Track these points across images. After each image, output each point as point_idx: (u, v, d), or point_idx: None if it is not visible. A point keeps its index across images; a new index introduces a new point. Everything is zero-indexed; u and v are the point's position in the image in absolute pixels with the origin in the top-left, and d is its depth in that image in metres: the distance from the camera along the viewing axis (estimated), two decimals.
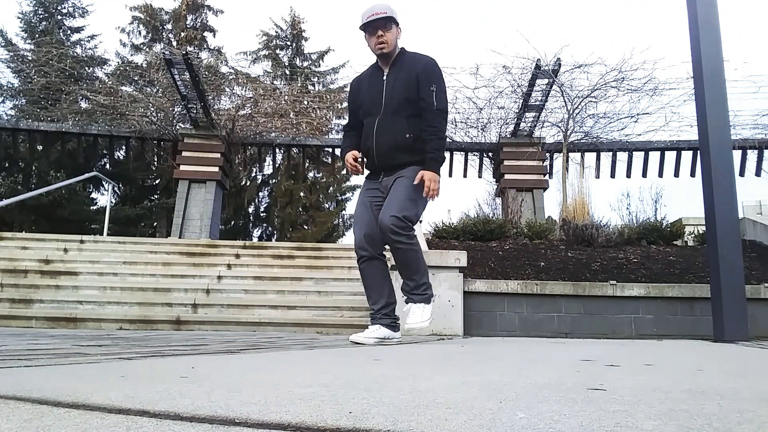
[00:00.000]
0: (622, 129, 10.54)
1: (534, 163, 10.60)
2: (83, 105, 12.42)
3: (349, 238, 20.53)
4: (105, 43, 32.28)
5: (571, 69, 9.63)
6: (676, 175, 11.22)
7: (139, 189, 19.26)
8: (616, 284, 4.87)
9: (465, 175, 11.84)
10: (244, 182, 20.08)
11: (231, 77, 13.34)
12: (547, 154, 11.14)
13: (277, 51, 22.08)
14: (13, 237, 7.36)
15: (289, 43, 22.26)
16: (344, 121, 3.45)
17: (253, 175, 20.58)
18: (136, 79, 14.78)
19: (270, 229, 22.01)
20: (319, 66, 21.62)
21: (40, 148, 14.00)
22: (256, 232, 22.23)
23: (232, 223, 21.11)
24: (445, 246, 6.14)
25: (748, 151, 10.81)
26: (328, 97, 13.55)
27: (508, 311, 4.84)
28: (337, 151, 11.71)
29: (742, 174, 10.68)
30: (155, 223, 18.95)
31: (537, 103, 10.02)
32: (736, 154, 10.49)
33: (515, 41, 24.02)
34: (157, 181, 19.38)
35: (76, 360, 1.59)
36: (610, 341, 3.98)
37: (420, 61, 3.05)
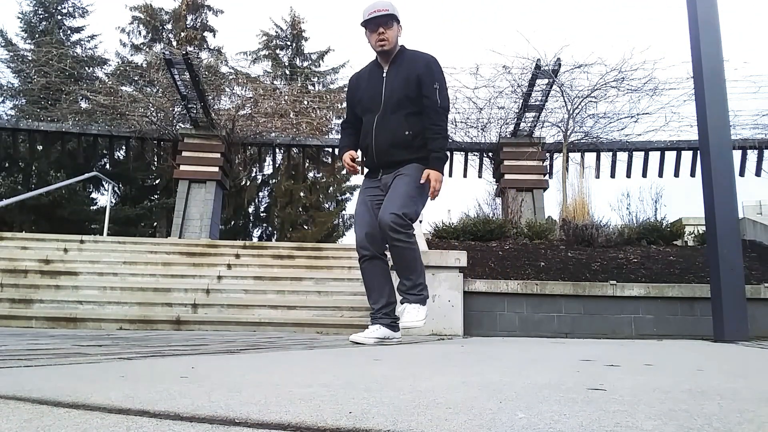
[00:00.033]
0: (622, 129, 10.55)
1: (534, 163, 10.60)
2: (83, 105, 12.42)
3: (349, 238, 20.56)
4: (105, 43, 32.32)
5: (571, 69, 9.64)
6: (676, 175, 11.22)
7: (139, 189, 19.26)
8: (616, 284, 4.87)
9: (465, 175, 11.85)
10: (244, 182, 20.09)
11: (231, 77, 13.35)
12: (547, 154, 11.14)
13: (277, 51, 22.09)
14: (13, 237, 7.36)
15: (289, 43, 22.26)
16: None
17: (253, 175, 20.59)
18: (136, 79, 14.78)
19: (270, 229, 22.01)
20: (319, 66, 21.63)
21: (40, 148, 14.00)
22: (256, 232, 22.24)
23: (232, 223, 21.11)
24: (445, 246, 6.14)
25: (748, 151, 10.81)
26: (328, 97, 13.55)
27: (508, 311, 4.84)
28: (338, 151, 11.70)
29: (742, 174, 10.68)
30: (155, 223, 18.95)
31: (537, 103, 10.02)
32: (736, 154, 10.49)
33: (515, 41, 24.04)
34: (157, 181, 19.39)
35: (76, 360, 1.59)
36: (610, 341, 3.98)
37: (421, 58, 3.05)
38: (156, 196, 19.08)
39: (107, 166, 16.51)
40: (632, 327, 4.77)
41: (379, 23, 2.98)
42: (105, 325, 4.76)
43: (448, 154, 9.78)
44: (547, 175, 11.08)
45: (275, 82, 17.58)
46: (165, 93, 11.58)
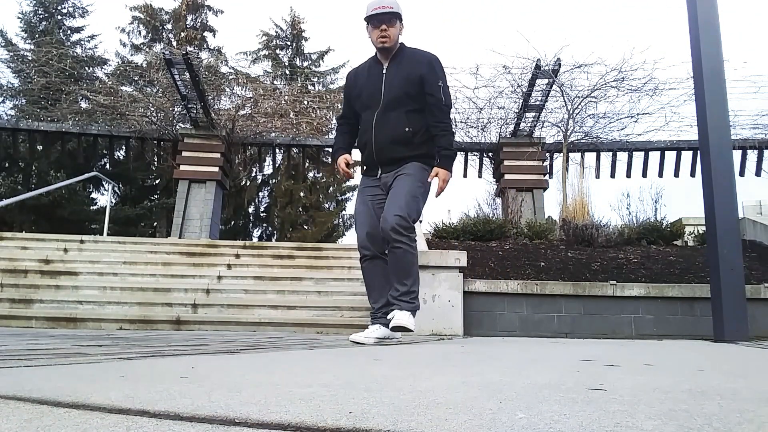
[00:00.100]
0: (622, 129, 10.55)
1: (534, 163, 10.60)
2: (83, 105, 12.42)
3: (349, 238, 20.57)
4: (105, 43, 32.35)
5: (571, 69, 9.64)
6: (676, 175, 11.22)
7: (139, 189, 19.26)
8: (616, 284, 4.87)
9: (465, 175, 11.85)
10: (244, 182, 20.08)
11: (231, 77, 13.35)
12: (547, 154, 11.14)
13: (277, 51, 22.08)
14: (13, 237, 7.36)
15: (289, 43, 22.26)
16: None
17: (253, 175, 20.58)
18: (136, 79, 14.78)
19: (270, 229, 22.01)
20: (319, 66, 21.63)
21: (40, 148, 14.00)
22: (256, 232, 22.24)
23: (232, 223, 21.11)
24: (445, 246, 6.14)
25: (748, 151, 10.81)
26: (328, 97, 13.54)
27: (508, 311, 4.84)
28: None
29: (742, 174, 10.68)
30: (155, 223, 18.95)
31: (537, 103, 10.02)
32: (736, 154, 10.49)
33: (515, 41, 24.04)
34: (157, 181, 19.38)
35: (76, 360, 1.59)
36: (610, 341, 3.98)
37: (423, 57, 3.05)
38: (156, 196, 19.08)
39: (107, 166, 16.50)
40: (632, 327, 4.77)
41: (382, 20, 2.97)
42: (105, 325, 4.76)
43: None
44: (547, 175, 11.08)
45: (275, 82, 17.58)
46: (165, 93, 11.58)
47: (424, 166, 3.03)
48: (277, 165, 18.33)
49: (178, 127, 11.25)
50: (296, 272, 6.25)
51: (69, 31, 19.15)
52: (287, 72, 20.48)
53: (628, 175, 11.29)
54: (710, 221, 3.82)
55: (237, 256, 6.77)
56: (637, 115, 10.17)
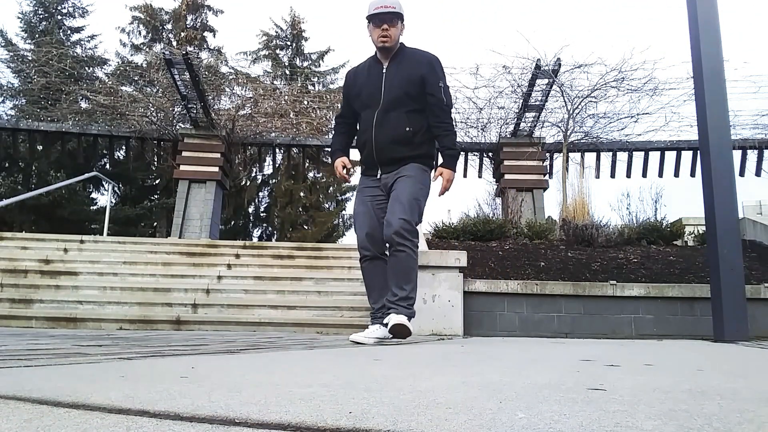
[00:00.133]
0: (622, 129, 10.55)
1: (534, 163, 10.60)
2: (83, 105, 12.42)
3: (348, 238, 20.56)
4: (105, 43, 32.35)
5: (571, 69, 9.64)
6: (676, 175, 11.22)
7: (139, 189, 19.26)
8: (616, 284, 4.87)
9: (465, 175, 11.85)
10: (244, 182, 20.09)
11: (231, 77, 13.35)
12: (547, 154, 11.14)
13: (277, 51, 22.09)
14: (13, 237, 7.36)
15: (289, 43, 22.26)
16: None
17: (253, 175, 20.59)
18: (136, 79, 14.78)
19: (270, 229, 22.01)
20: (319, 66, 21.63)
21: (40, 148, 14.00)
22: (256, 232, 22.24)
23: (232, 223, 21.11)
24: (445, 246, 6.14)
25: (748, 151, 10.81)
26: (328, 97, 13.54)
27: (508, 311, 4.84)
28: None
29: (742, 174, 10.67)
30: (155, 223, 18.95)
31: (537, 103, 10.02)
32: (736, 154, 10.49)
33: (515, 41, 24.06)
34: (157, 181, 19.39)
35: (76, 360, 1.59)
36: (610, 341, 3.98)
37: (424, 57, 3.05)
38: (156, 196, 19.08)
39: (107, 166, 16.51)
40: (632, 327, 4.77)
41: (384, 20, 2.97)
42: (105, 325, 4.76)
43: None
44: (547, 175, 11.08)
45: (275, 82, 17.59)
46: (165, 93, 11.58)
47: (424, 168, 3.04)
48: (277, 165, 18.34)
49: (178, 127, 11.25)
50: (296, 272, 6.25)
51: (69, 31, 19.16)
52: (287, 72, 20.48)
53: (628, 175, 11.29)
54: (710, 221, 3.82)
55: (237, 256, 6.78)
56: (637, 115, 10.18)
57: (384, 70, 3.04)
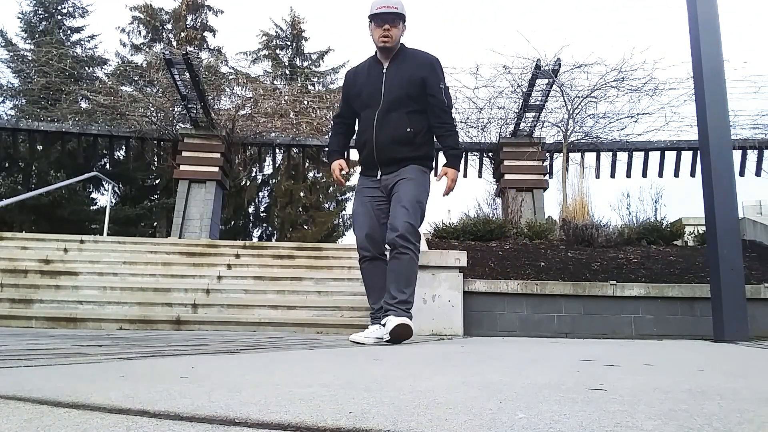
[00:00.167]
0: (622, 129, 10.55)
1: (534, 163, 10.61)
2: (83, 105, 12.42)
3: (349, 238, 20.57)
4: (105, 43, 32.35)
5: (571, 69, 9.64)
6: (676, 175, 11.22)
7: (139, 189, 19.26)
8: (616, 284, 4.86)
9: (465, 175, 11.84)
10: (244, 182, 20.09)
11: (231, 77, 13.35)
12: (547, 154, 11.14)
13: (277, 51, 22.10)
14: (13, 237, 7.36)
15: (289, 43, 22.27)
16: None
17: (253, 175, 20.59)
18: (136, 79, 14.79)
19: (270, 229, 22.02)
20: (319, 66, 21.64)
21: (40, 148, 14.00)
22: (256, 232, 22.25)
23: (232, 223, 21.12)
24: (445, 246, 6.14)
25: (748, 151, 10.81)
26: (328, 97, 13.53)
27: (508, 311, 4.83)
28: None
29: (742, 174, 10.68)
30: (155, 223, 18.96)
31: (537, 103, 10.02)
32: (736, 154, 10.49)
33: (515, 41, 24.07)
34: (157, 181, 19.39)
35: (76, 360, 1.59)
36: (610, 341, 3.98)
37: (425, 59, 3.05)
38: (156, 196, 19.09)
39: (107, 166, 16.51)
40: (632, 327, 4.77)
41: (386, 20, 2.97)
42: (105, 325, 4.76)
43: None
44: (547, 175, 11.09)
45: (275, 82, 17.59)
46: (165, 93, 11.58)
47: (424, 170, 3.04)
48: (277, 165, 18.35)
49: (178, 127, 11.25)
50: (296, 272, 6.25)
51: (69, 31, 19.16)
52: (287, 72, 20.49)
53: (628, 175, 11.29)
54: (710, 221, 3.82)
55: (237, 256, 6.78)
56: (637, 115, 10.18)
57: (384, 71, 3.04)
